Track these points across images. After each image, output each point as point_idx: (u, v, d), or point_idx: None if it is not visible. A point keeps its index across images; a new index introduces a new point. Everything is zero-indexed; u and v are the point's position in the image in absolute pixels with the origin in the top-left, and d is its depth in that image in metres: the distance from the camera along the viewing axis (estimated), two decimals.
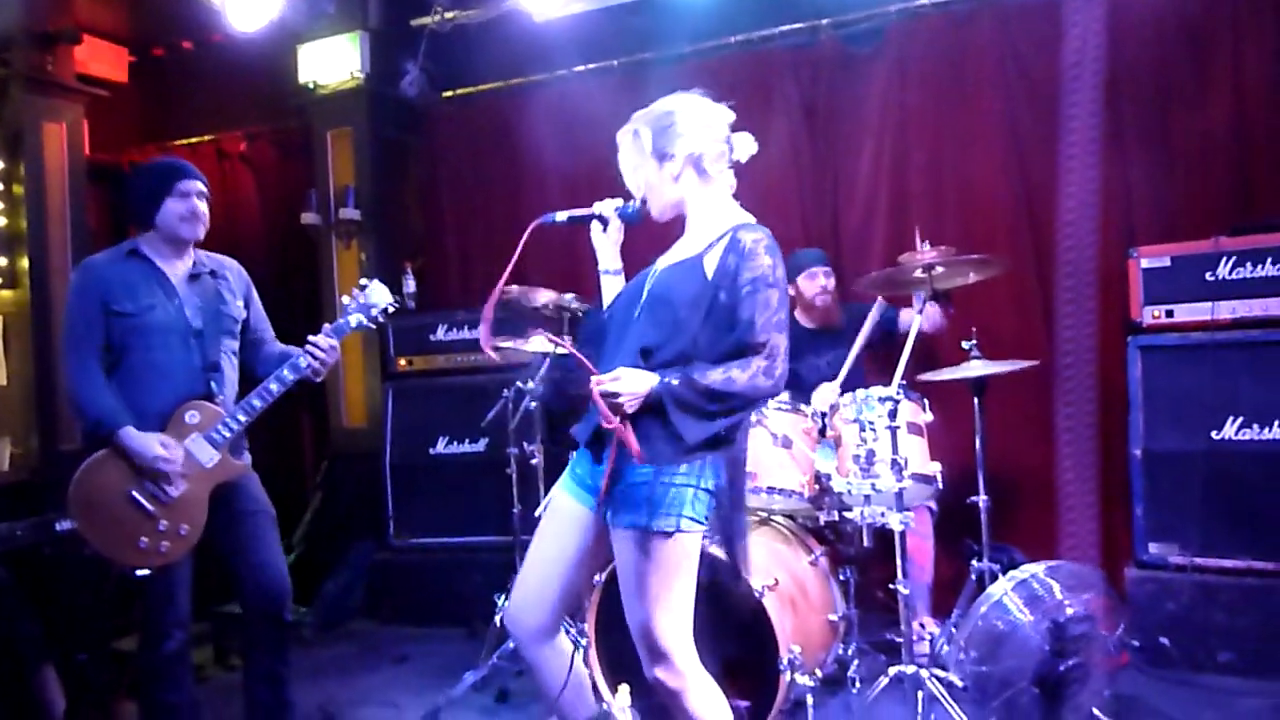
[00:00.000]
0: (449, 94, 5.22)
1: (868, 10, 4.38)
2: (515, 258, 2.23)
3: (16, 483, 4.32)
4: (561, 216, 2.36)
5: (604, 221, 2.34)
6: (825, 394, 3.51)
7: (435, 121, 5.33)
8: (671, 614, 2.12)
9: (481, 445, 4.63)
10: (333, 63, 5.03)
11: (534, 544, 2.36)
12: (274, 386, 2.85)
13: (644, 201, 2.29)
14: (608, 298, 2.36)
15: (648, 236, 2.40)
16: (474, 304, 4.70)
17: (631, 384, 2.04)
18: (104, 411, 2.71)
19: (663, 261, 2.27)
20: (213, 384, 2.88)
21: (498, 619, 3.83)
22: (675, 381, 2.03)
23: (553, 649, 2.34)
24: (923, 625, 3.44)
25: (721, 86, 4.50)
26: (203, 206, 2.90)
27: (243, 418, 2.84)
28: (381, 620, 4.74)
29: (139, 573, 2.78)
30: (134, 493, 2.71)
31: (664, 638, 2.12)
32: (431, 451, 4.72)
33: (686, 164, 2.18)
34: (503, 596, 3.87)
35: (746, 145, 2.25)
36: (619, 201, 2.34)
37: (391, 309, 3.03)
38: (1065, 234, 3.65)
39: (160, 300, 2.85)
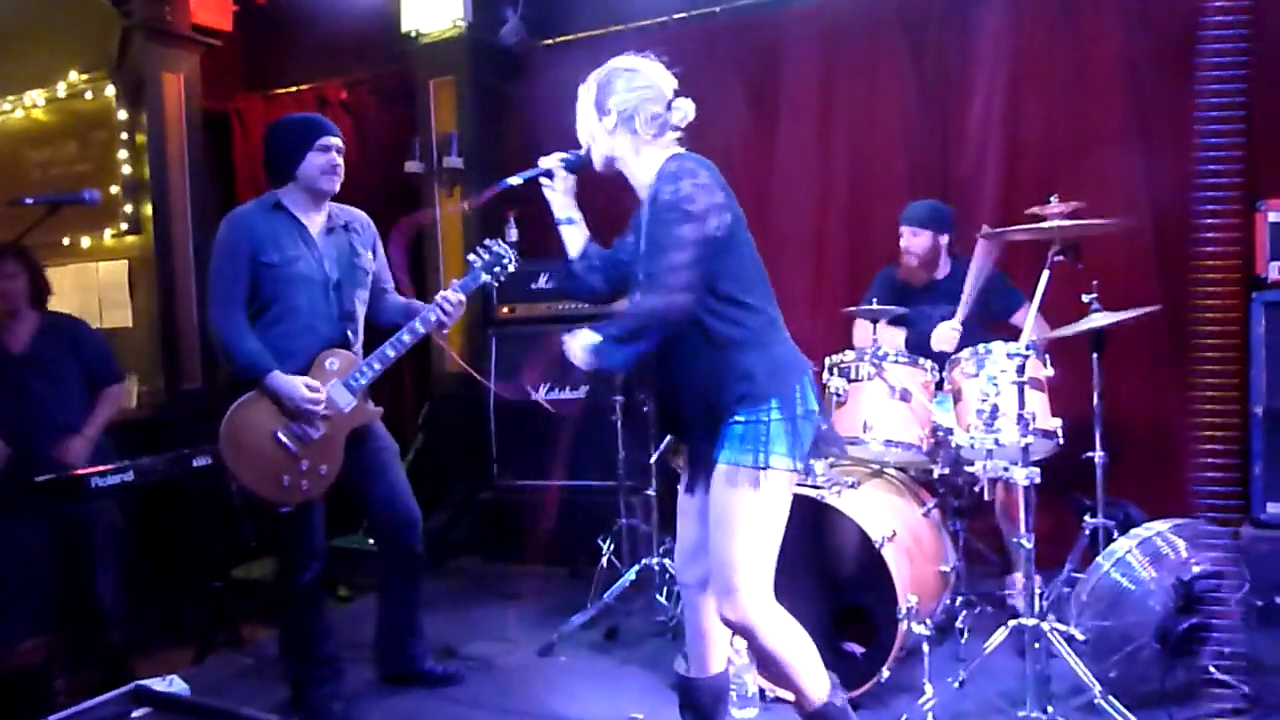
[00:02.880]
0: (548, 41, 5.21)
1: None
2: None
3: (143, 419, 4.56)
4: (515, 180, 2.52)
5: (551, 176, 2.47)
6: (945, 332, 3.51)
7: (534, 70, 5.32)
8: (749, 551, 2.16)
9: (582, 392, 4.70)
10: (435, 11, 5.06)
11: (679, 499, 2.43)
12: (406, 337, 2.97)
13: (588, 150, 2.41)
14: (570, 246, 2.49)
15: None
16: None
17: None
18: (253, 356, 2.84)
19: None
20: (349, 333, 3.01)
21: (603, 561, 3.95)
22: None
23: (707, 602, 2.38)
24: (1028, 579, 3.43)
25: (827, 32, 4.54)
26: (339, 160, 2.99)
27: (378, 365, 2.96)
28: (486, 558, 4.90)
29: (280, 510, 2.94)
30: (279, 434, 2.85)
31: (736, 574, 2.15)
32: (533, 397, 4.81)
33: (619, 120, 2.29)
34: (607, 540, 3.98)
35: (686, 110, 2.33)
36: (564, 154, 2.46)
37: (514, 268, 3.11)
38: (1200, 184, 3.52)
39: (303, 252, 2.96)
